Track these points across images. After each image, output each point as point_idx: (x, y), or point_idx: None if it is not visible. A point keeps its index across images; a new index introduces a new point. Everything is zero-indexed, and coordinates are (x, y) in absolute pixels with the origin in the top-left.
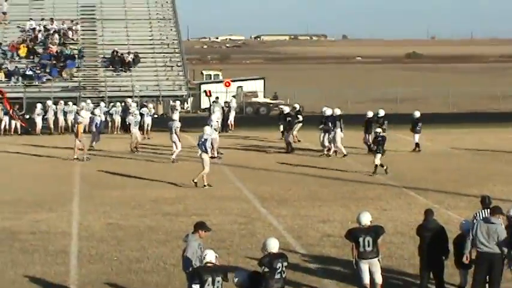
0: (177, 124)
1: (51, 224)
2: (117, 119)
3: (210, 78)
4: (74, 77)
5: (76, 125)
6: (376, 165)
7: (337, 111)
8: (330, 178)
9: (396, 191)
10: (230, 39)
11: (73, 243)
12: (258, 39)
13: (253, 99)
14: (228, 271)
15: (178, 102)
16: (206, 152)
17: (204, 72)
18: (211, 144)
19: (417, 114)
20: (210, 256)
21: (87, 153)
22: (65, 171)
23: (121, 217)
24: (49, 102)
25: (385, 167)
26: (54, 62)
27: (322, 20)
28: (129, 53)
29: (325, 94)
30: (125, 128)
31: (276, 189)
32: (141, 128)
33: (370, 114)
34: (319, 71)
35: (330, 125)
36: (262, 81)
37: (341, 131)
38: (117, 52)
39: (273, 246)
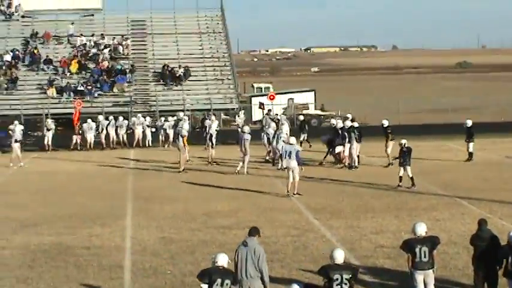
0: (246, 136)
1: (104, 239)
2: (170, 132)
3: (261, 91)
4: (125, 91)
5: None
6: (412, 177)
7: (348, 123)
8: (382, 189)
9: (449, 201)
10: (280, 51)
11: (127, 258)
12: (308, 51)
13: (304, 112)
14: (236, 277)
15: (213, 117)
16: (300, 163)
17: (255, 85)
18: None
19: (469, 123)
20: (222, 260)
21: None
22: (117, 186)
23: (174, 231)
24: (100, 118)
25: (400, 183)
26: (105, 76)
27: (372, 31)
28: (179, 67)
29: (376, 105)
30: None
31: (328, 200)
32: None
33: (386, 122)
34: (370, 82)
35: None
36: (313, 93)
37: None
38: (167, 66)
39: (336, 256)
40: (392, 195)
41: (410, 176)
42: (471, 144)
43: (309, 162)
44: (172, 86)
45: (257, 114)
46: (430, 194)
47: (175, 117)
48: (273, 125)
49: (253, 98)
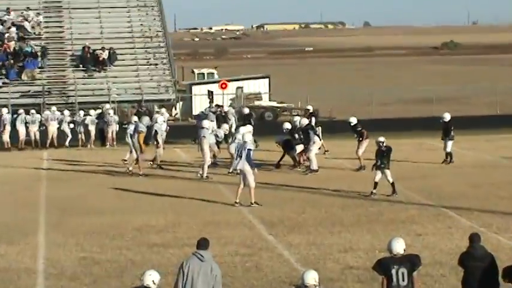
0: (204, 133)
1: (11, 260)
2: (92, 129)
3: (203, 78)
4: (36, 79)
5: None
6: (393, 183)
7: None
8: (351, 198)
9: (433, 212)
10: (227, 29)
11: (39, 283)
12: (261, 29)
13: (256, 103)
14: None
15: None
16: (251, 165)
17: (196, 71)
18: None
19: (447, 117)
20: (147, 279)
21: None
22: (27, 194)
23: (97, 249)
24: (4, 111)
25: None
26: (12, 61)
27: (338, 5)
28: (103, 49)
29: (345, 94)
30: (102, 139)
31: (285, 212)
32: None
33: (354, 120)
34: (337, 67)
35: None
36: (267, 80)
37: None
38: (88, 48)
39: (306, 278)
40: (364, 205)
41: (391, 181)
42: (450, 143)
43: (262, 164)
44: (94, 72)
45: (199, 107)
46: (410, 203)
47: (98, 111)
48: (226, 126)
49: (193, 87)
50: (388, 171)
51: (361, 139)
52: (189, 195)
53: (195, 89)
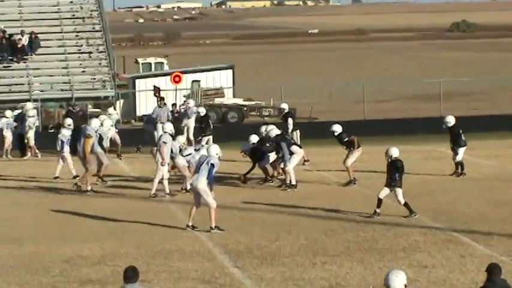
0: (165, 138)
1: None
2: (8, 134)
3: (150, 69)
4: None
5: None
6: (405, 203)
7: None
8: (339, 219)
9: (442, 237)
10: (179, 7)
11: None
12: (223, 7)
13: (217, 101)
14: None
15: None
16: (211, 183)
17: (140, 61)
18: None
19: (451, 120)
20: None
21: None
22: None
23: None
24: None
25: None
26: None
27: None
28: (22, 34)
29: (329, 89)
30: (22, 147)
31: (255, 238)
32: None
33: (338, 128)
34: (319, 54)
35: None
36: (231, 71)
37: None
38: (4, 32)
39: None
40: (353, 229)
41: (402, 202)
42: (461, 150)
43: (225, 179)
44: (11, 63)
45: (144, 106)
46: (412, 226)
47: (16, 112)
48: (182, 138)
49: (137, 80)
50: (399, 191)
51: (352, 149)
52: (133, 218)
53: (140, 84)
